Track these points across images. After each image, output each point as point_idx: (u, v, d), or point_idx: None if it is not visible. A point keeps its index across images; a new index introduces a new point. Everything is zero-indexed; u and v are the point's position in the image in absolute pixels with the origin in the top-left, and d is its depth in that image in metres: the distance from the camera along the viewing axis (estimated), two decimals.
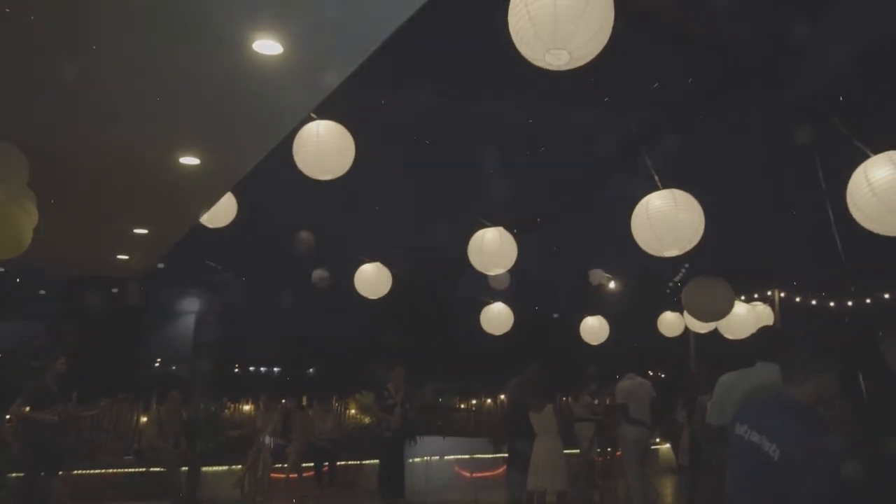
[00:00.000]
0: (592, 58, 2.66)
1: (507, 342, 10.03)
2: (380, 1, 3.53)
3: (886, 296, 12.71)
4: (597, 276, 12.37)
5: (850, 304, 14.41)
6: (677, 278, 13.43)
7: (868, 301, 13.57)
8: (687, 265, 13.36)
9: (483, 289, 9.57)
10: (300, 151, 4.65)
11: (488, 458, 11.67)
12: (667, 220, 4.02)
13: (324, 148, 4.58)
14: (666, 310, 10.02)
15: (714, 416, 4.60)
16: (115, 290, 12.58)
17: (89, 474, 9.37)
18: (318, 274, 9.50)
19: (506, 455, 8.99)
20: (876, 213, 3.43)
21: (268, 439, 9.33)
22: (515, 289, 12.22)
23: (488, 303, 9.06)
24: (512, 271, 8.71)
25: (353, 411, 12.99)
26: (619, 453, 9.84)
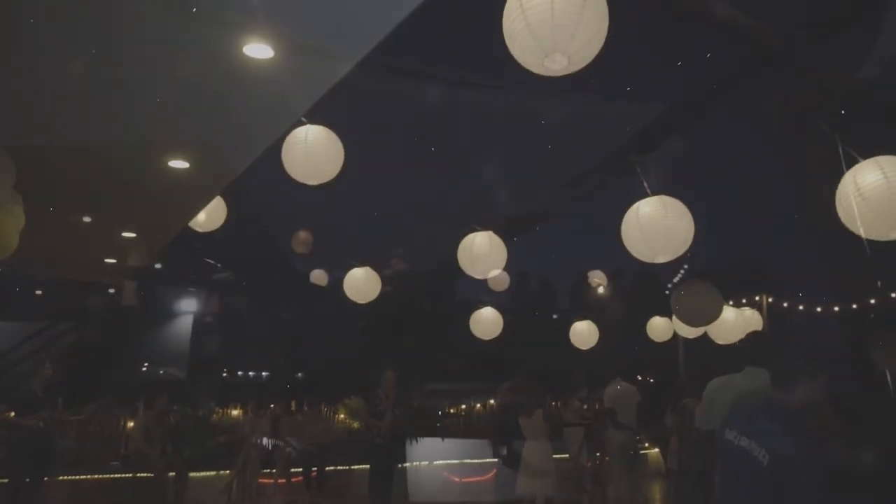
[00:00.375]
0: (590, 61, 2.61)
1: (503, 344, 10.03)
2: (371, 4, 3.52)
3: (872, 301, 12.79)
4: (596, 277, 12.35)
5: (836, 309, 14.47)
6: (676, 279, 13.46)
7: (855, 307, 13.64)
8: (686, 267, 13.39)
9: (483, 289, 9.56)
10: (288, 156, 4.64)
11: (477, 463, 11.66)
12: (657, 226, 4.03)
13: (312, 153, 4.57)
14: (664, 313, 10.04)
15: (702, 420, 4.62)
16: (111, 291, 12.49)
17: (75, 480, 9.29)
18: (318, 274, 9.49)
19: (495, 460, 8.98)
20: (864, 217, 3.46)
21: (265, 440, 9.30)
22: (515, 290, 12.26)
23: (479, 307, 9.05)
24: (511, 273, 8.71)
25: (342, 416, 12.95)
26: (606, 458, 9.86)
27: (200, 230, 6.80)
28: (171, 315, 15.00)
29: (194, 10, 3.43)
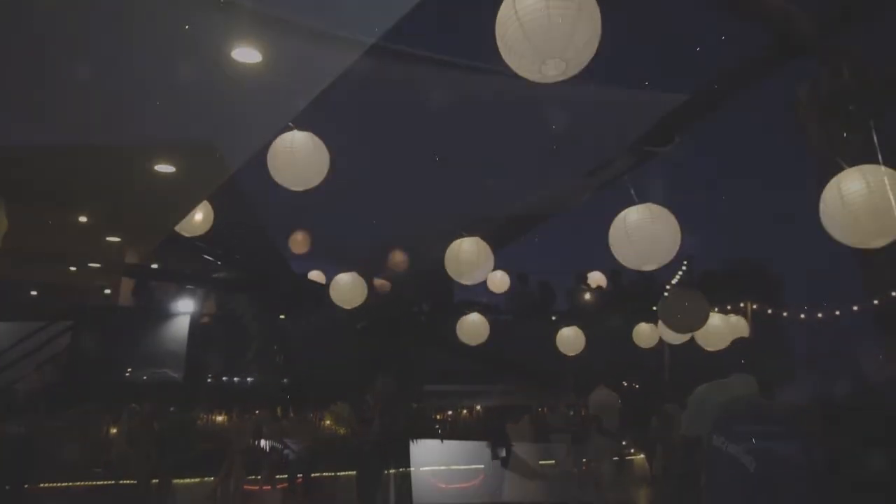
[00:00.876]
0: (585, 65, 2.57)
1: (503, 346, 10.02)
2: (359, 10, 3.52)
3: (855, 308, 12.95)
4: (596, 278, 12.31)
5: (819, 315, 14.61)
6: (674, 281, 13.50)
7: (837, 313, 13.79)
8: (684, 268, 13.40)
9: (482, 291, 9.59)
10: (274, 162, 4.63)
11: (463, 469, 11.61)
12: (644, 234, 4.08)
13: (297, 159, 4.56)
14: (650, 318, 10.06)
15: (689, 426, 4.64)
16: (107, 292, 12.40)
17: (57, 487, 9.17)
18: (317, 275, 9.47)
19: (481, 466, 9.00)
20: (845, 224, 3.53)
21: (262, 442, 9.26)
22: (515, 292, 12.22)
23: (466, 312, 9.04)
24: (510, 274, 8.73)
25: (328, 422, 12.86)
26: (593, 463, 9.89)
27: (188, 234, 6.74)
28: (167, 315, 14.63)
29: (186, 27, 3.42)
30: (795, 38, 3.80)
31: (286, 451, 9.68)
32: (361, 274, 7.98)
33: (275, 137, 4.70)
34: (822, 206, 3.64)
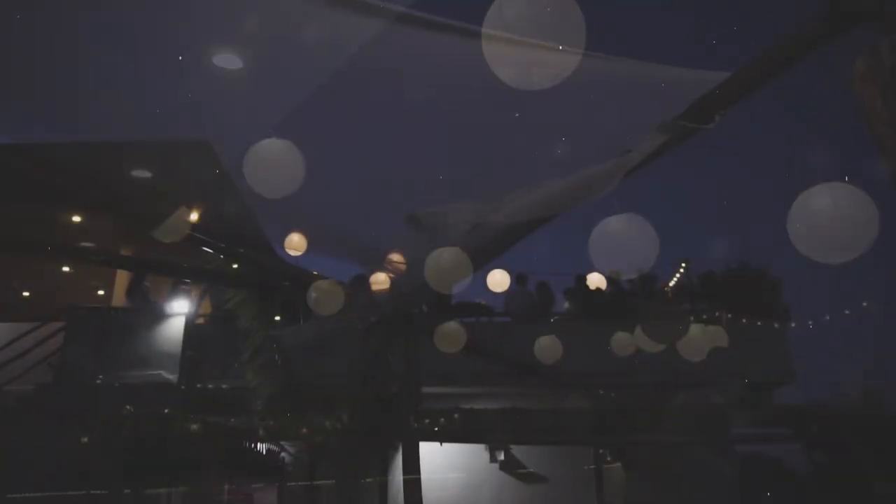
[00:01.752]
0: (573, 69, 2.56)
1: (504, 348, 10.03)
2: (344, 16, 3.52)
3: (828, 317, 13.14)
4: (595, 280, 12.31)
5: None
6: (672, 283, 13.54)
7: (835, 316, 13.96)
8: (683, 268, 13.45)
9: (481, 292, 9.60)
10: (248, 169, 4.61)
11: (443, 478, 11.58)
12: (623, 245, 4.16)
13: (271, 167, 4.55)
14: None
15: (668, 434, 4.70)
16: (101, 293, 12.27)
17: (27, 498, 9.01)
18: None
19: (459, 475, 8.99)
20: (809, 238, 3.64)
21: (259, 445, 9.18)
22: (514, 292, 12.25)
23: (441, 321, 9.02)
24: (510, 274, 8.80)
25: (304, 430, 12.76)
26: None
27: (166, 241, 6.66)
28: (162, 316, 14.23)
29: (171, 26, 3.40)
30: (852, 5, 3.71)
31: (282, 454, 9.60)
32: (338, 281, 7.94)
33: (259, 140, 4.68)
34: (788, 219, 3.74)
